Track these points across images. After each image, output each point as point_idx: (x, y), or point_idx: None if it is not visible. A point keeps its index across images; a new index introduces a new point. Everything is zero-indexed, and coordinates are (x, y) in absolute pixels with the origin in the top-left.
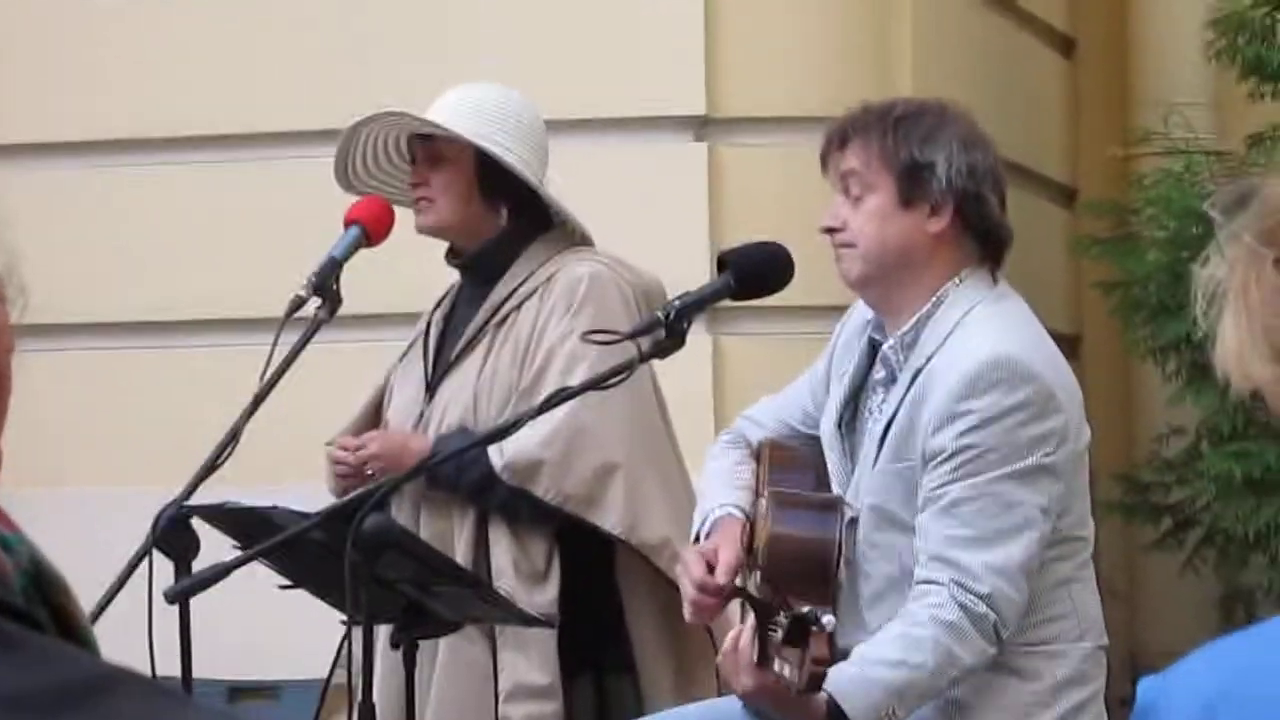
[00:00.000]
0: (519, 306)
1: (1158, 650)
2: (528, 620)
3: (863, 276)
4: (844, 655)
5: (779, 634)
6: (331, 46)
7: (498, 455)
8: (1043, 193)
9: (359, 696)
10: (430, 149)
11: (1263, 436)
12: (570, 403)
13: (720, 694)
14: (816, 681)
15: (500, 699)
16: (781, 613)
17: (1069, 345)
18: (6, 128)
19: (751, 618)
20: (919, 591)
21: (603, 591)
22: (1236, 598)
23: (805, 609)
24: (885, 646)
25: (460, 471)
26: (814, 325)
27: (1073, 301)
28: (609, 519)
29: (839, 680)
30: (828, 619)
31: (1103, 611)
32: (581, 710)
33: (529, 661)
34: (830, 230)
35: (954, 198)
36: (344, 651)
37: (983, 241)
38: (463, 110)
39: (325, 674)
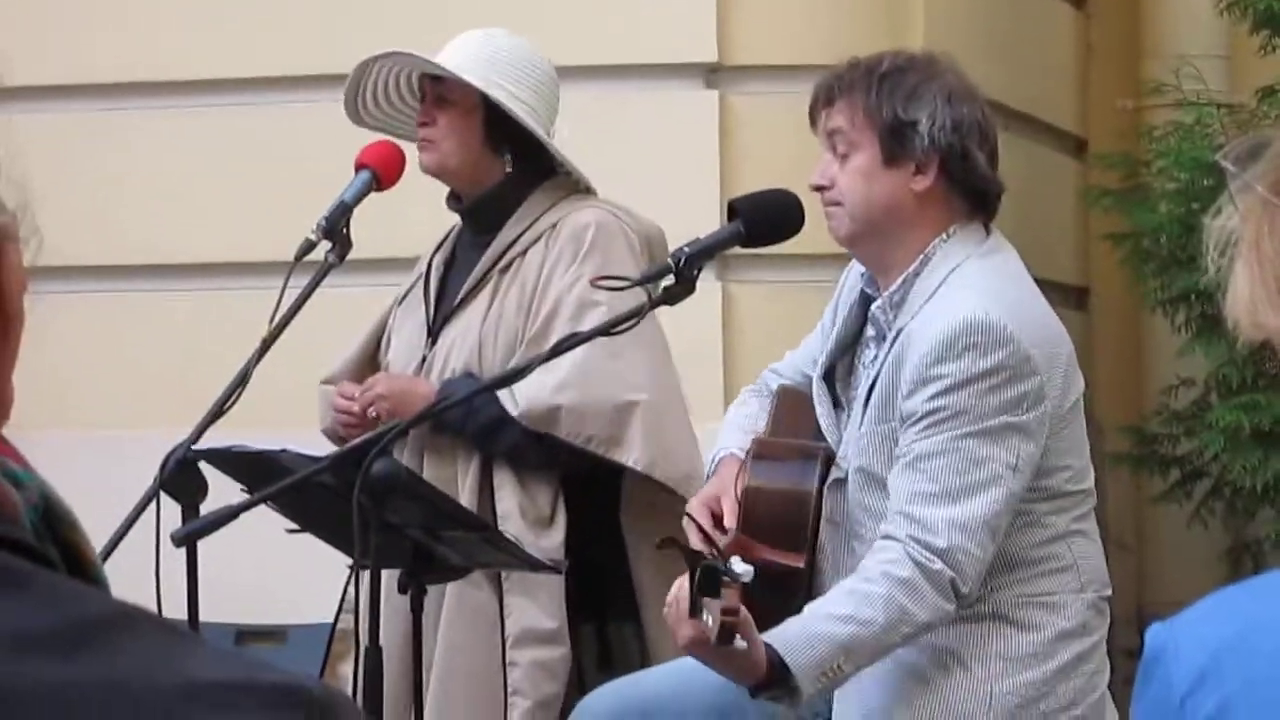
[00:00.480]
0: (524, 252)
1: (1165, 601)
2: (535, 565)
3: (850, 235)
4: None
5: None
6: None
7: (511, 404)
8: (1053, 144)
9: (365, 641)
10: (439, 90)
11: (1272, 388)
12: (578, 350)
13: None
14: (728, 633)
15: (508, 643)
16: (700, 562)
17: (1078, 297)
18: (20, 69)
19: (689, 564)
20: (877, 546)
21: (608, 537)
22: (1244, 549)
23: (713, 559)
24: (835, 602)
25: (469, 416)
26: (824, 273)
27: (1082, 253)
28: (631, 455)
29: (784, 634)
30: (743, 569)
31: (1110, 564)
32: (586, 657)
33: (537, 606)
34: (819, 188)
35: (938, 155)
36: (349, 595)
37: (971, 197)
38: (476, 56)
39: (332, 618)
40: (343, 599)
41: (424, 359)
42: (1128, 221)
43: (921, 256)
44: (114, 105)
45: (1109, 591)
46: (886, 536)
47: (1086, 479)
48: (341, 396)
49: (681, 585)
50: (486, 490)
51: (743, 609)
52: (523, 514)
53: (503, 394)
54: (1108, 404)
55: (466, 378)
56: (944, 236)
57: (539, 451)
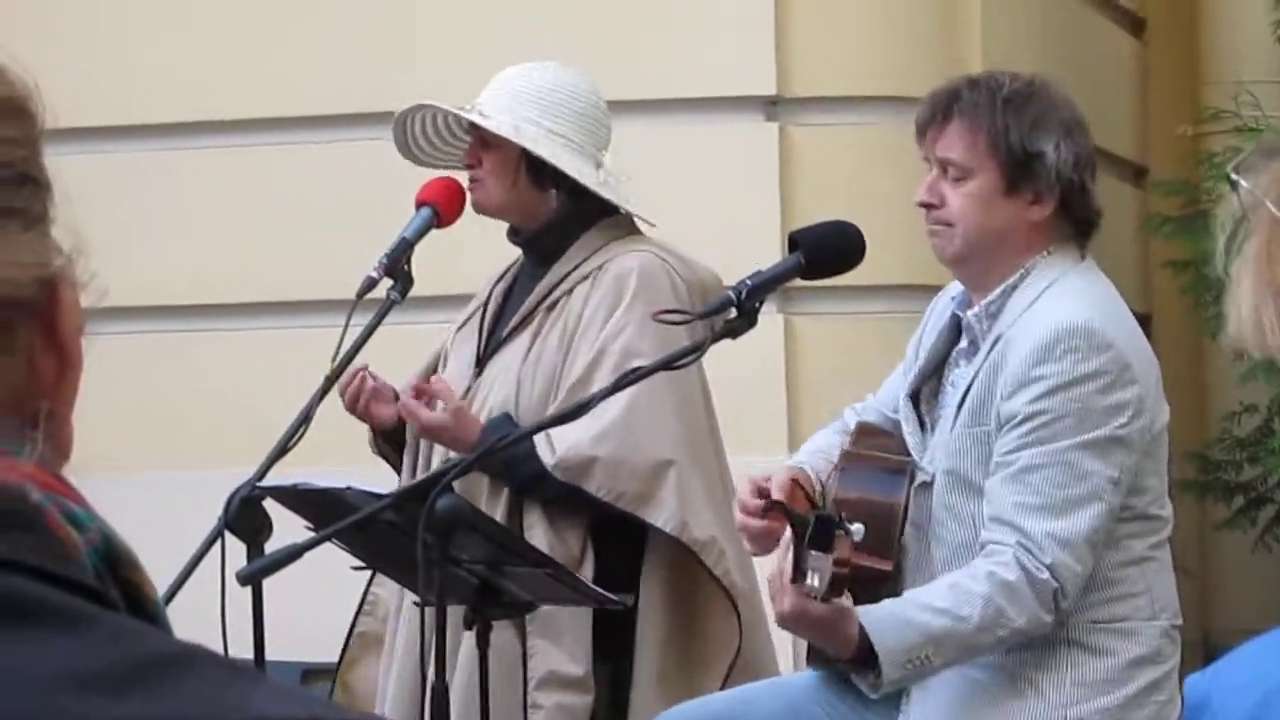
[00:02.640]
0: (570, 292)
1: (1229, 629)
2: (602, 600)
3: (958, 255)
4: None
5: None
6: (397, 26)
7: (549, 451)
8: (1113, 171)
9: (432, 679)
10: (480, 131)
11: None
12: (622, 399)
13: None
14: (839, 584)
15: (530, 685)
16: (813, 513)
17: (1140, 324)
18: (73, 110)
19: (788, 533)
20: (985, 551)
21: (631, 581)
22: None
23: (829, 512)
24: (934, 594)
25: (509, 466)
26: (885, 304)
27: (1143, 280)
28: (661, 515)
29: (876, 613)
30: (856, 526)
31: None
32: (600, 694)
33: (562, 650)
34: (927, 205)
35: (1060, 188)
36: (367, 599)
37: (1079, 225)
38: (511, 92)
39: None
40: (362, 601)
41: (468, 389)
42: (1188, 248)
43: (1021, 270)
44: (172, 145)
45: (1180, 621)
46: (994, 542)
47: (1166, 505)
48: (417, 388)
49: (781, 550)
50: (516, 529)
51: (855, 564)
52: (552, 553)
53: (540, 440)
54: (1171, 430)
55: (505, 419)
56: (1045, 252)
57: (583, 501)
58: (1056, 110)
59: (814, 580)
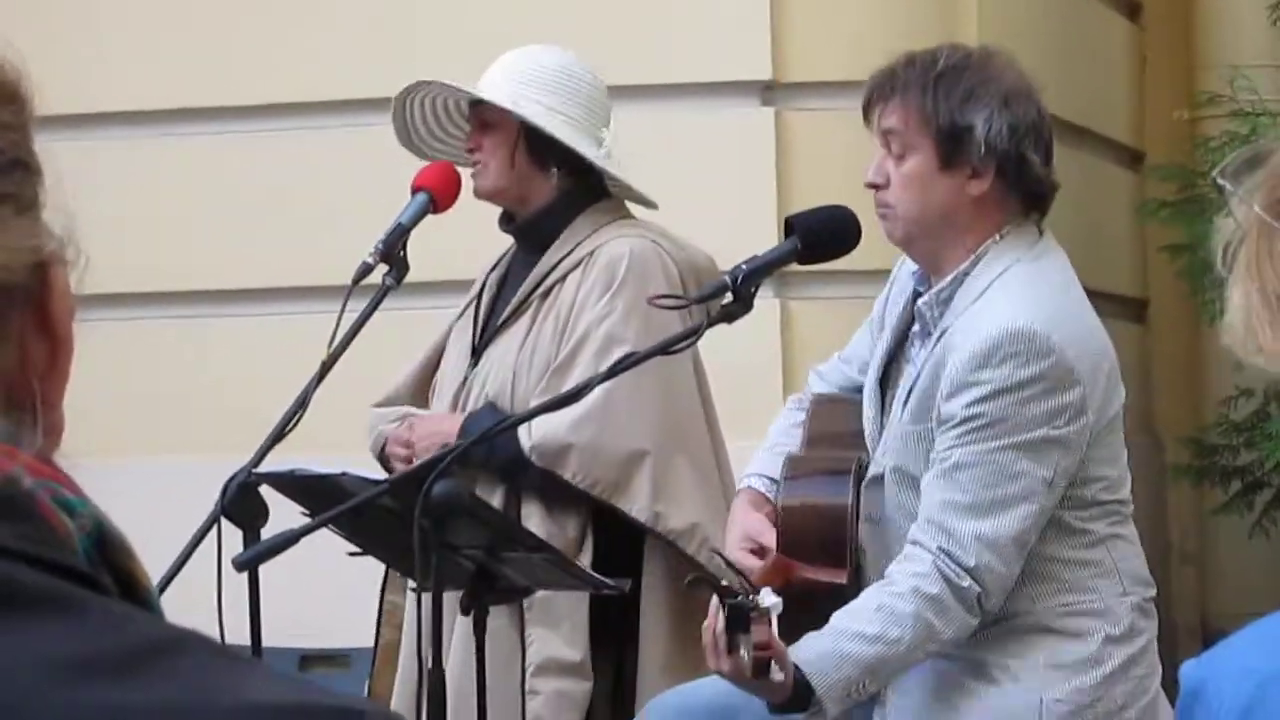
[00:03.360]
0: (563, 279)
1: (1227, 613)
2: (599, 585)
3: (905, 237)
4: None
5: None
6: (393, 12)
7: (526, 437)
8: (1109, 156)
9: (428, 664)
10: (480, 114)
11: None
12: (601, 387)
13: None
14: (761, 666)
15: (528, 672)
16: (725, 600)
17: (1136, 309)
18: (65, 97)
19: (715, 600)
20: (906, 554)
21: (633, 566)
22: None
23: (742, 594)
24: (863, 619)
25: (491, 452)
26: (881, 288)
27: (1139, 265)
28: (635, 505)
29: (808, 652)
30: (771, 601)
31: (1171, 575)
32: (599, 684)
33: (560, 637)
34: (874, 186)
35: (995, 160)
36: (384, 608)
37: (1026, 197)
38: (510, 74)
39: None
40: (380, 611)
41: (465, 380)
42: (1185, 233)
43: (973, 256)
44: (166, 131)
45: (1153, 592)
46: (916, 543)
47: (1122, 489)
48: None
49: (711, 617)
50: (514, 515)
51: (775, 640)
52: (550, 540)
53: (521, 430)
54: (1167, 416)
55: (490, 409)
56: (997, 237)
57: (562, 485)
58: (993, 81)
59: (744, 653)
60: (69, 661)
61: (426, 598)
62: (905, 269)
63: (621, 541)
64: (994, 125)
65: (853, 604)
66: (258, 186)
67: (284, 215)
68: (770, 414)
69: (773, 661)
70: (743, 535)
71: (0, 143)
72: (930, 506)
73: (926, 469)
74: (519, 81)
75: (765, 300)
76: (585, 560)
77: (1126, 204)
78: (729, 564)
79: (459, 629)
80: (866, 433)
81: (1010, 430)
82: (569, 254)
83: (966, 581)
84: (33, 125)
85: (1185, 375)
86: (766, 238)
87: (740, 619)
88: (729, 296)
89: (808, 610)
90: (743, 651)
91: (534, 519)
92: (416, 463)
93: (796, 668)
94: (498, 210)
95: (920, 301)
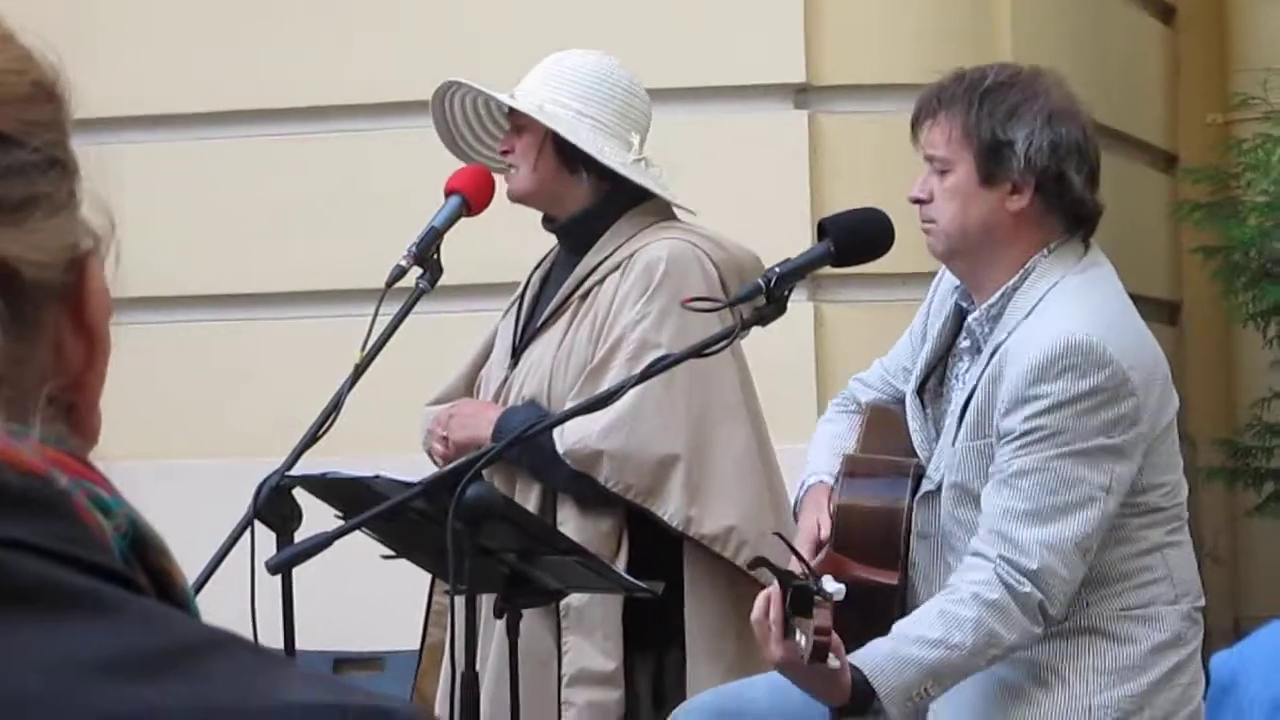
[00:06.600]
0: (601, 281)
1: (1260, 615)
2: (631, 588)
3: (946, 252)
4: None
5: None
6: (429, 16)
7: (559, 440)
8: (1142, 158)
9: (462, 666)
10: (515, 116)
11: None
12: (633, 391)
13: None
14: (820, 652)
15: (563, 683)
16: (790, 583)
17: (1169, 311)
18: (107, 100)
19: (776, 586)
20: (967, 564)
21: (670, 567)
22: None
23: (805, 578)
24: (925, 624)
25: (524, 451)
26: (915, 291)
27: (1173, 267)
28: (668, 509)
29: (872, 656)
30: (834, 588)
31: (1205, 577)
32: (640, 686)
33: (594, 646)
34: (917, 200)
35: (1035, 176)
36: (432, 609)
37: (1068, 216)
38: (544, 77)
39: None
40: (428, 612)
41: (506, 379)
42: (1218, 235)
43: (1021, 271)
44: (202, 135)
45: (1203, 602)
46: (977, 554)
47: (1180, 494)
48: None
49: (772, 602)
50: (549, 518)
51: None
52: (586, 542)
53: (555, 432)
54: (1200, 418)
55: (529, 406)
56: (1044, 252)
57: (596, 487)
58: (1038, 99)
59: (800, 640)
60: (106, 661)
61: (460, 600)
62: (946, 281)
63: (661, 539)
64: (1035, 141)
65: (915, 612)
66: (292, 190)
67: (318, 218)
68: (802, 416)
69: (830, 651)
70: (811, 533)
71: (36, 141)
72: (990, 516)
73: (984, 483)
74: (553, 85)
75: (798, 303)
76: (623, 559)
77: (1160, 206)
78: (793, 550)
79: (497, 633)
80: (916, 444)
81: (1069, 440)
82: (609, 256)
83: (1027, 587)
84: (70, 124)
85: (1218, 377)
86: (799, 240)
87: (805, 601)
88: (762, 299)
89: (855, 608)
90: (799, 637)
91: (570, 519)
92: (448, 440)
93: (858, 670)
94: (532, 213)
95: (970, 318)
